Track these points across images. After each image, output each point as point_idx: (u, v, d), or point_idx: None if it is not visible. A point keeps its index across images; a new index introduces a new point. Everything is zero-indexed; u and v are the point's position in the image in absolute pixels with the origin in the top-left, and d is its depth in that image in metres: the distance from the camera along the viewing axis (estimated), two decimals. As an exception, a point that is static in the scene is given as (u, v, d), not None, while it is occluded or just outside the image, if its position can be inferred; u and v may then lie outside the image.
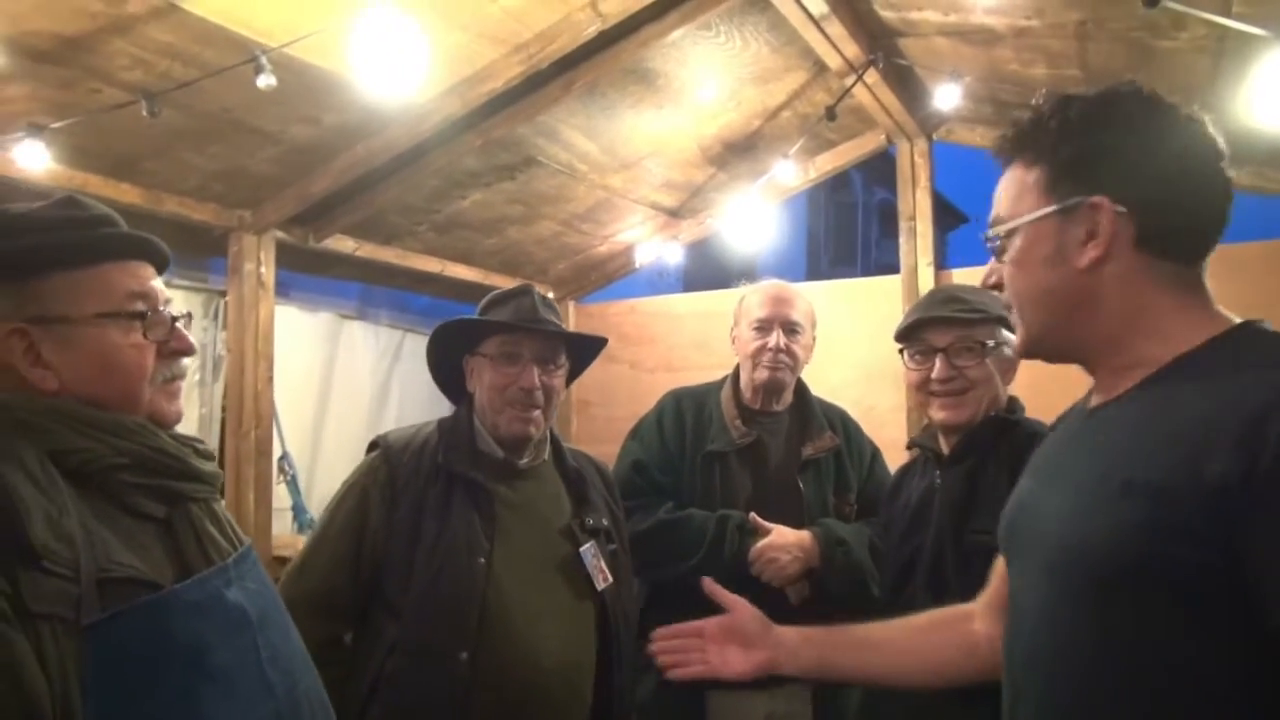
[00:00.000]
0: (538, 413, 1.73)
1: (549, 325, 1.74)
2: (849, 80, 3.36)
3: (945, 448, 1.73)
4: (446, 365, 1.84)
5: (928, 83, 3.65)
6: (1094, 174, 0.96)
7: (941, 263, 4.20)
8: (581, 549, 1.72)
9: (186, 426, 3.52)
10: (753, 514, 2.07)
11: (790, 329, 2.22)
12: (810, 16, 2.92)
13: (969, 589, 1.43)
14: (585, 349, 1.89)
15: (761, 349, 2.20)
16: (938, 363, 1.68)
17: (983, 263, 3.72)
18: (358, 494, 1.69)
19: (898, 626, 1.35)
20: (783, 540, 2.04)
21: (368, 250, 3.80)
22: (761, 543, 2.04)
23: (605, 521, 1.80)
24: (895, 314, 4.27)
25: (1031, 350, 1.05)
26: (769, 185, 4.05)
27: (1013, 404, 1.74)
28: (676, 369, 4.57)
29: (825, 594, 2.06)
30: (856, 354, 4.16)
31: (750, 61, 3.30)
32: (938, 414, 1.70)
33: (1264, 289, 3.63)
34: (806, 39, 3.10)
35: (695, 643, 1.42)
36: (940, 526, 1.61)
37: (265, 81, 2.24)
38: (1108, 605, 0.88)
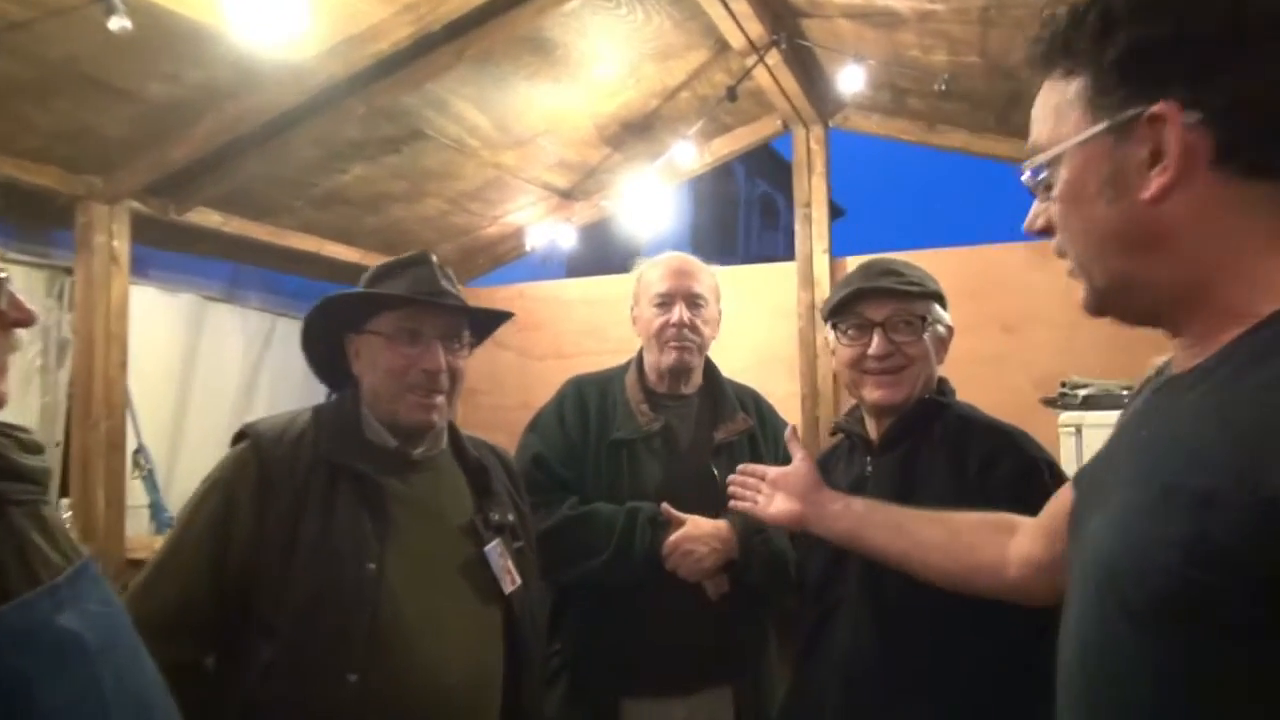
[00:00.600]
0: (441, 398, 1.55)
1: (452, 299, 1.57)
2: (750, 60, 3.28)
3: (874, 433, 1.65)
4: (322, 346, 1.62)
5: (827, 66, 3.61)
6: (1152, 75, 0.74)
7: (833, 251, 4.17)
8: (486, 548, 1.55)
9: (26, 417, 3.18)
10: (664, 504, 1.94)
11: (694, 302, 2.09)
12: (716, -10, 2.83)
13: (908, 582, 1.35)
14: (480, 327, 1.71)
15: (665, 326, 2.07)
16: (875, 338, 1.58)
17: (872, 252, 3.64)
18: (221, 492, 1.46)
19: (939, 521, 1.32)
20: (698, 531, 1.92)
21: (236, 226, 3.50)
22: (675, 535, 1.92)
23: (511, 517, 1.64)
24: (789, 301, 4.25)
25: (1099, 307, 0.83)
26: (666, 167, 3.94)
27: (943, 386, 1.67)
28: (567, 356, 4.43)
29: (746, 586, 1.96)
30: (751, 341, 4.10)
31: (652, 37, 3.18)
32: (872, 394, 1.60)
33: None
34: (710, 15, 3.00)
35: (757, 483, 1.58)
36: None
37: (118, 24, 1.98)
38: (1140, 639, 0.70)
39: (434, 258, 1.60)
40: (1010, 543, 1.19)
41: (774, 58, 3.33)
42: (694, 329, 2.07)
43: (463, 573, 1.53)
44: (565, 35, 3.03)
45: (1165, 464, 0.72)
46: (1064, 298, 4.14)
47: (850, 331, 1.62)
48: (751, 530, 1.92)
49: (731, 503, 1.59)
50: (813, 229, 4.09)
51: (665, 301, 2.08)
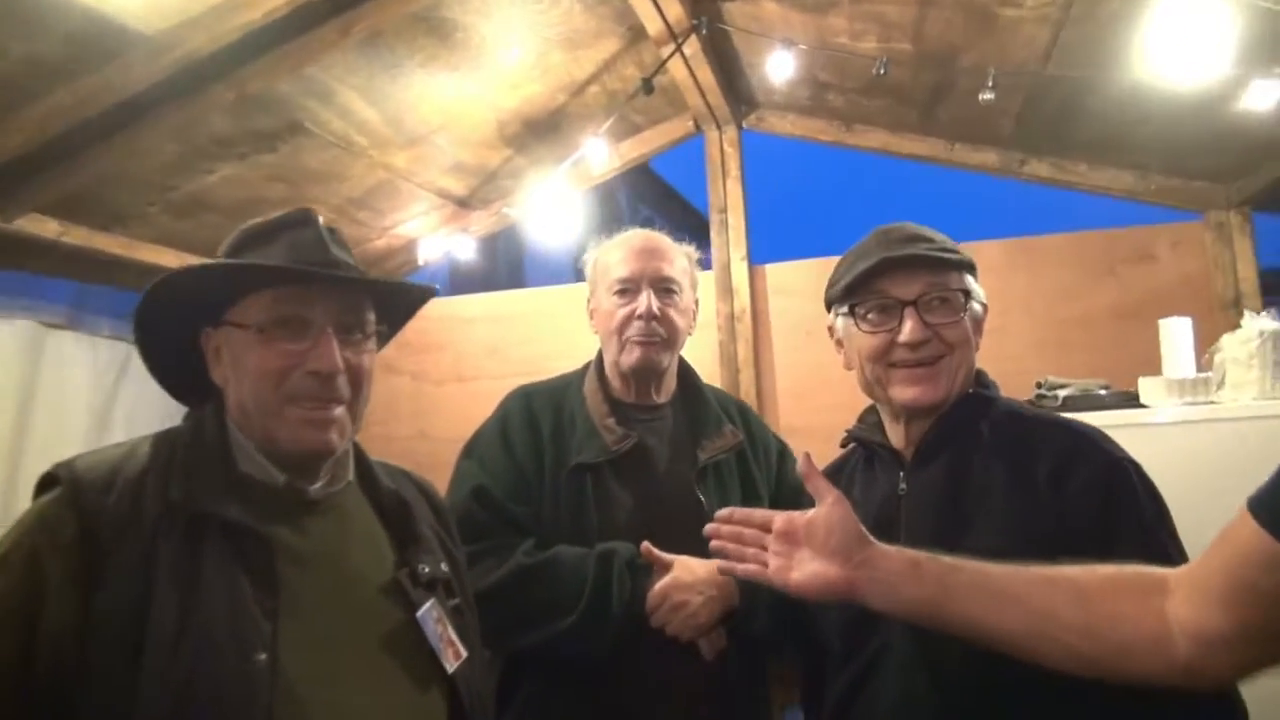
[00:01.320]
0: (341, 410, 1.14)
1: (349, 270, 1.17)
2: (667, 50, 3.03)
3: (900, 441, 1.35)
4: (172, 347, 1.19)
5: (746, 57, 3.38)
6: None
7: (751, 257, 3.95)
8: (419, 614, 1.17)
9: None
10: (645, 544, 1.58)
11: (664, 288, 1.73)
12: (636, -37, 2.56)
13: None
14: (389, 312, 1.26)
15: (627, 319, 1.71)
16: (907, 321, 1.27)
17: (786, 259, 3.26)
18: (22, 565, 0.99)
19: (1057, 581, 0.97)
20: (690, 576, 1.56)
21: (80, 236, 3.00)
22: (662, 582, 1.55)
23: (444, 567, 1.26)
24: (705, 312, 3.99)
25: None
26: (574, 171, 3.64)
27: (982, 378, 1.38)
28: (468, 379, 4.06)
29: (747, 642, 1.61)
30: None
31: (559, 20, 2.88)
32: (904, 392, 1.29)
33: (1063, 281, 3.67)
34: (626, -5, 2.74)
35: (757, 535, 1.13)
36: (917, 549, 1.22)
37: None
38: None
39: (319, 216, 1.19)
40: (1167, 608, 0.90)
41: (692, 47, 3.09)
42: (665, 321, 1.72)
43: (389, 650, 1.13)
44: (465, 15, 2.70)
45: None
46: (990, 301, 4.04)
47: (871, 315, 1.31)
48: None
49: (722, 565, 1.17)
50: (729, 235, 3.86)
51: (627, 288, 1.73)
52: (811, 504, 1.70)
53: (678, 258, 1.78)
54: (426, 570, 1.21)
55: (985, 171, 3.70)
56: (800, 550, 1.09)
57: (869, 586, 1.04)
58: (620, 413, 1.72)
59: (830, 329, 1.42)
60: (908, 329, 1.26)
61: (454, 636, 1.19)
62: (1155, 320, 3.41)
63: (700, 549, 1.59)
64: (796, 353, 3.77)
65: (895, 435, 1.36)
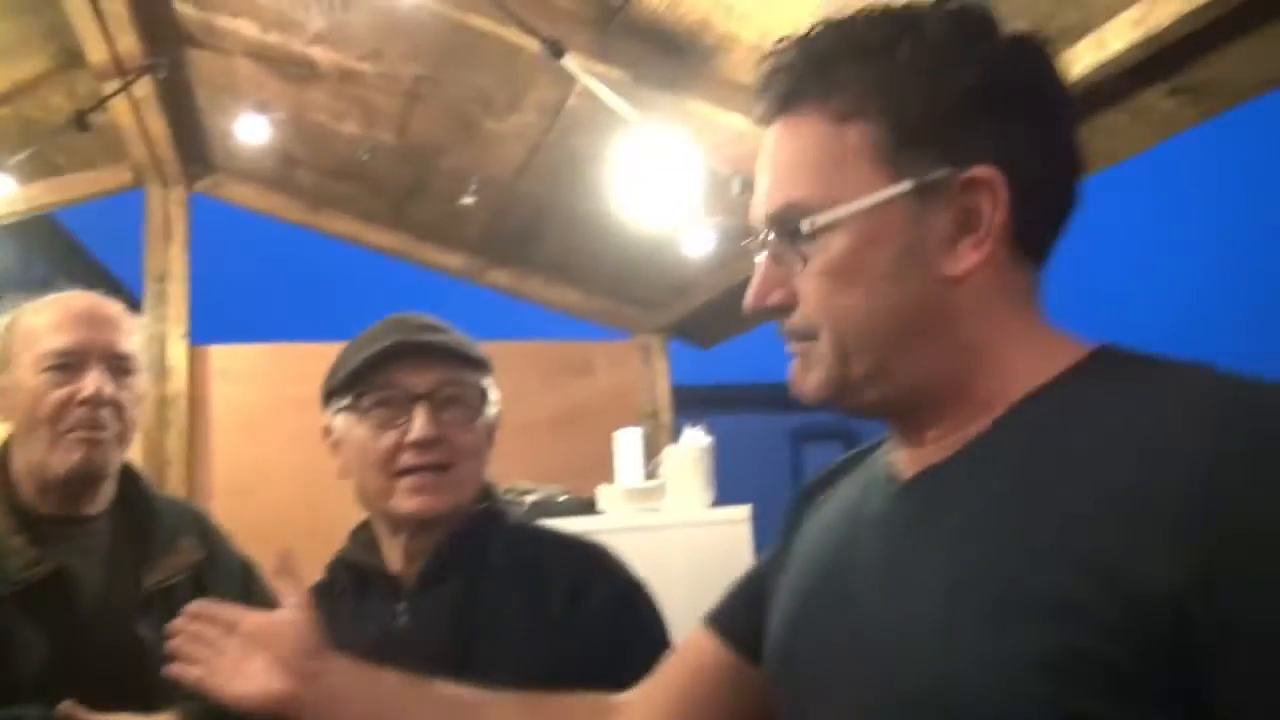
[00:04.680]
0: None
1: None
2: (110, 86, 2.58)
3: (401, 561, 1.16)
4: None
5: (210, 115, 3.03)
6: (971, 131, 0.64)
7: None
8: None
9: None
10: (66, 704, 1.17)
11: (120, 367, 1.37)
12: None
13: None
14: None
15: (66, 404, 1.31)
16: (417, 416, 1.11)
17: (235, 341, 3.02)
18: None
19: (514, 703, 0.92)
20: None
21: None
22: None
23: None
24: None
25: (838, 398, 0.68)
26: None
27: (490, 491, 1.24)
28: None
29: None
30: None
31: (-34, 18, 2.31)
32: (408, 501, 1.11)
33: (509, 387, 3.85)
34: (66, 10, 2.28)
35: (217, 637, 0.97)
36: None
37: None
38: None
39: None
40: None
41: (144, 89, 2.68)
42: (117, 410, 1.35)
43: None
44: None
45: (990, 563, 0.60)
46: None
47: (377, 411, 1.13)
48: None
49: (171, 669, 0.96)
50: (169, 309, 3.37)
51: (68, 363, 1.32)
52: None
53: (133, 331, 1.42)
54: None
55: (450, 274, 3.76)
56: (253, 657, 0.94)
57: (314, 700, 0.93)
58: (33, 528, 1.29)
59: (326, 430, 1.21)
60: (418, 425, 1.11)
61: None
62: (590, 428, 3.73)
63: (139, 704, 1.26)
64: (239, 445, 3.39)
65: (394, 555, 1.17)
